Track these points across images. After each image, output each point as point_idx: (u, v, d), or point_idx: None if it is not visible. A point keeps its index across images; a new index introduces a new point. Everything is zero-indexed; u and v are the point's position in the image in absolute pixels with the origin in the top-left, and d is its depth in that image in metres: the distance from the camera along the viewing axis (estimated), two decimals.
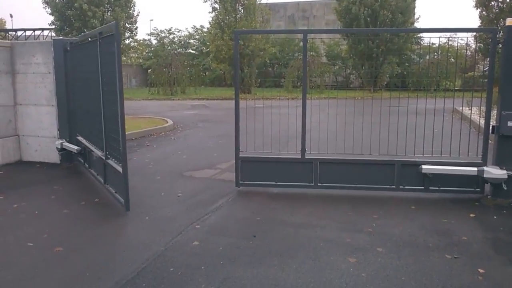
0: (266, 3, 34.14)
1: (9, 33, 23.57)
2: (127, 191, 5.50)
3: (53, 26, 25.60)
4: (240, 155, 6.59)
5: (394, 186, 6.39)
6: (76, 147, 7.82)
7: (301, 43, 6.96)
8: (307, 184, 6.56)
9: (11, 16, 60.00)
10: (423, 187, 6.31)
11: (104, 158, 6.32)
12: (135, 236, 4.80)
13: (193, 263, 4.08)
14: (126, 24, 27.30)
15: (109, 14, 26.21)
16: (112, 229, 5.02)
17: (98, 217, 5.42)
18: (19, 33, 23.43)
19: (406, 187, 6.36)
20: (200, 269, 3.96)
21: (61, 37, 8.60)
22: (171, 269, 3.96)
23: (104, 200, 6.13)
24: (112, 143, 5.95)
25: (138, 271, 3.91)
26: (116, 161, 5.90)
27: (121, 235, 4.82)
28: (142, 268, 3.98)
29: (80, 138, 8.06)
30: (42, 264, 4.09)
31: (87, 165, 7.69)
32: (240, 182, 6.65)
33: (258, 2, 30.41)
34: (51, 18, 26.18)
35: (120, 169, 5.59)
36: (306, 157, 6.54)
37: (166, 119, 15.28)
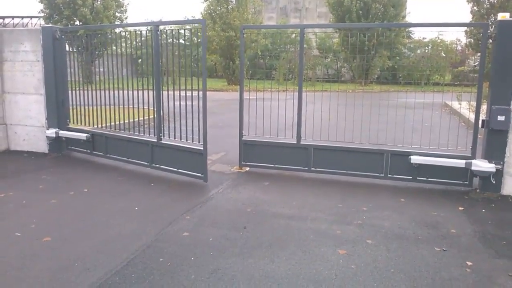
0: None
1: None
2: (206, 165, 6.49)
3: (42, 14, 25.15)
4: (243, 139, 7.16)
5: (383, 175, 6.57)
6: (85, 135, 7.80)
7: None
8: (302, 168, 6.99)
9: None
10: (411, 177, 6.42)
11: (156, 140, 6.95)
12: (125, 226, 4.76)
13: (183, 253, 4.07)
14: (116, 13, 26.91)
15: (99, 2, 25.80)
16: (101, 219, 4.98)
17: (87, 208, 5.38)
18: (6, 20, 23.02)
19: (395, 176, 6.52)
20: (190, 259, 3.95)
21: (50, 25, 8.47)
22: (161, 259, 3.94)
23: (93, 190, 6.08)
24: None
25: (128, 261, 3.89)
26: (184, 141, 6.66)
27: (111, 225, 4.78)
28: (131, 258, 3.96)
29: (77, 126, 8.10)
30: (30, 254, 4.05)
31: (101, 152, 7.79)
32: (242, 163, 7.26)
33: None
34: (40, 6, 25.75)
35: (197, 147, 6.48)
36: (301, 142, 6.95)
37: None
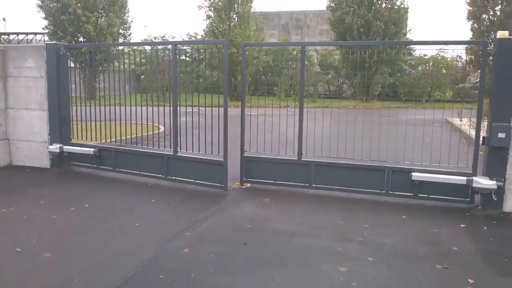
0: (260, 12, 34.30)
1: (2, 36, 23.37)
2: (226, 175, 6.85)
3: (46, 31, 25.45)
4: (244, 155, 7.17)
5: (384, 191, 6.56)
6: (92, 149, 7.90)
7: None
8: (303, 184, 6.97)
9: (4, 19, 59.52)
10: (412, 194, 6.42)
11: (172, 153, 7.30)
12: (124, 242, 4.75)
13: (183, 270, 4.05)
14: (120, 30, 27.24)
15: (103, 19, 26.14)
16: (102, 235, 4.97)
17: (87, 224, 5.37)
18: (11, 36, 23.27)
19: (396, 192, 6.51)
20: (190, 276, 3.93)
21: (54, 42, 8.59)
22: (161, 276, 3.93)
23: (94, 205, 6.08)
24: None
25: (127, 278, 3.88)
26: (202, 153, 7.03)
27: (111, 241, 4.78)
28: (131, 274, 3.94)
29: (79, 141, 8.18)
30: (30, 270, 4.04)
31: (109, 167, 7.93)
32: (243, 179, 7.26)
33: (252, 11, 30.55)
34: (45, 22, 26.09)
35: (217, 159, 6.87)
36: (302, 159, 6.92)
37: (158, 125, 15.20)
